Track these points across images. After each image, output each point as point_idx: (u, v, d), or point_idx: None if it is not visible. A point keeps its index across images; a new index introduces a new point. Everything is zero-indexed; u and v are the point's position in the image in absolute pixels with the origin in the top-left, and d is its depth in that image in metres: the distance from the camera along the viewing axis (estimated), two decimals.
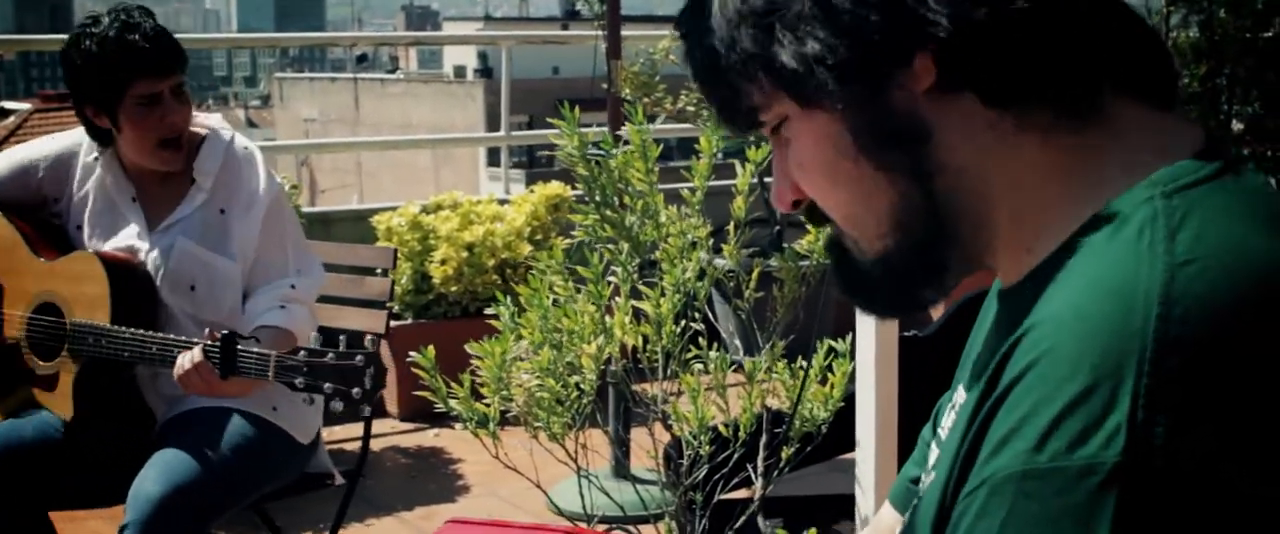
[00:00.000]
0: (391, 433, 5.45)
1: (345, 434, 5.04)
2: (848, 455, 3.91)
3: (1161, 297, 0.87)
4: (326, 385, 2.58)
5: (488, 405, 2.73)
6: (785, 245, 3.35)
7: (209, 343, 2.70)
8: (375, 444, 5.23)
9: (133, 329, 2.83)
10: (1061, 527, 0.85)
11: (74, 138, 3.11)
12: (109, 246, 3.02)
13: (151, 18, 2.94)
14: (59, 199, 3.12)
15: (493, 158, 30.53)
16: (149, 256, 2.99)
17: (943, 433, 1.18)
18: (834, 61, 0.99)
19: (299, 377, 2.60)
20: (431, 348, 2.69)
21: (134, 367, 2.97)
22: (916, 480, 1.37)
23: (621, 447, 4.16)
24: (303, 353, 2.61)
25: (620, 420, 4.21)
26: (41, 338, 2.99)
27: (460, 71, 47.67)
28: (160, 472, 2.78)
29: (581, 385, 2.75)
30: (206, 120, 3.10)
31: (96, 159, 3.06)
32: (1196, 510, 0.83)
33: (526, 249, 5.60)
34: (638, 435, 3.97)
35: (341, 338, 2.62)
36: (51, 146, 3.13)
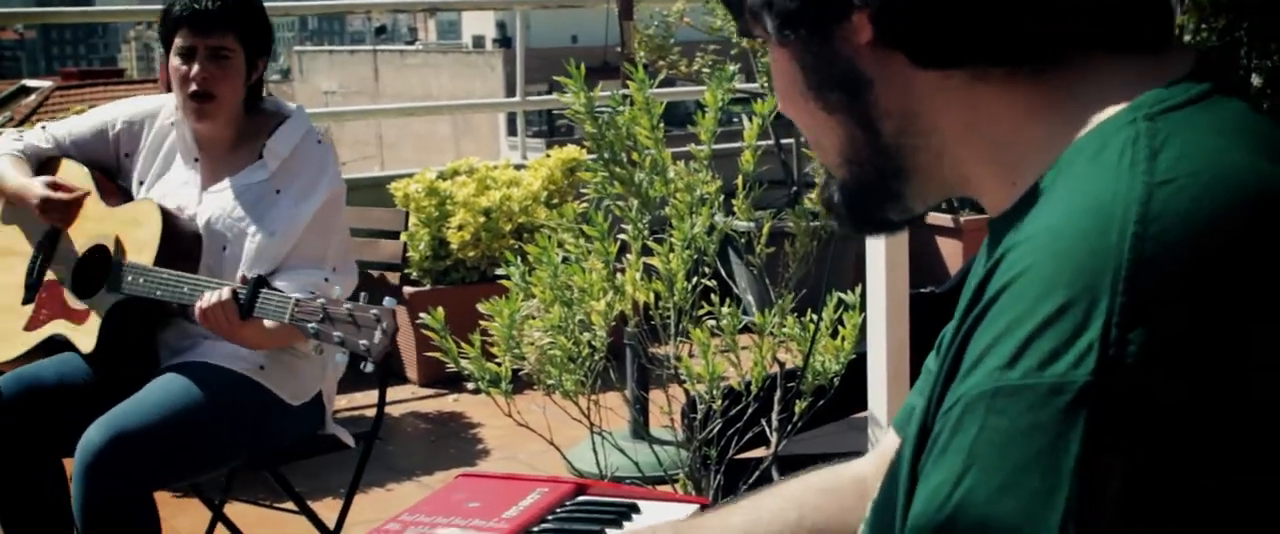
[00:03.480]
0: (411, 399, 5.47)
1: (365, 400, 5.06)
2: (862, 414, 3.91)
3: (1139, 215, 0.86)
4: (336, 334, 2.61)
5: (499, 365, 2.73)
6: (773, 209, 3.35)
7: (239, 286, 2.77)
8: (395, 409, 5.26)
9: (171, 270, 2.93)
10: (1031, 444, 0.84)
11: (157, 100, 3.28)
12: (162, 199, 3.13)
13: None
14: (131, 154, 3.27)
15: (512, 127, 30.48)
16: (196, 211, 3.10)
17: None
18: (778, 8, 1.04)
19: (313, 322, 2.64)
20: (440, 309, 2.69)
21: (161, 312, 3.05)
22: None
23: (638, 406, 4.16)
24: (321, 300, 2.66)
25: (636, 380, 4.21)
26: (86, 275, 3.10)
27: (479, 41, 47.56)
28: (107, 420, 2.83)
29: (593, 343, 2.75)
30: (289, 107, 3.23)
31: (172, 123, 3.21)
32: (1167, 431, 0.82)
33: (543, 213, 5.59)
34: (655, 396, 3.98)
35: (362, 295, 2.65)
36: (131, 107, 3.31)
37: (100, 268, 3.07)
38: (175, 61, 3.07)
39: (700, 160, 2.79)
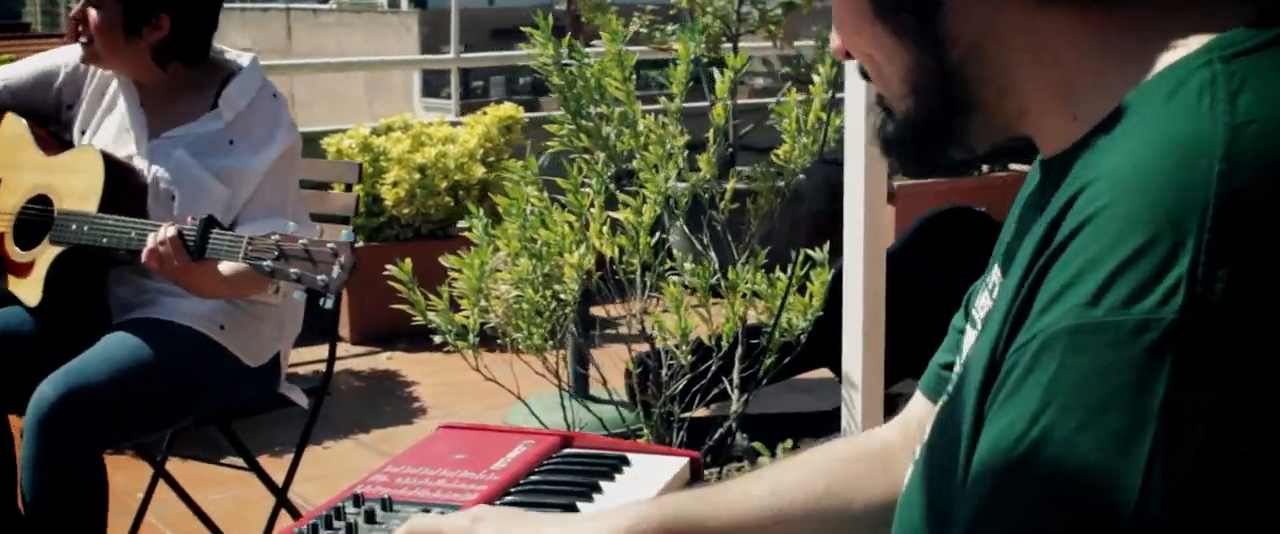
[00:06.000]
0: (345, 356, 5.39)
1: (298, 358, 4.98)
2: (812, 374, 3.91)
3: (1224, 154, 0.85)
4: (292, 271, 2.53)
5: (467, 317, 2.69)
6: (736, 168, 3.33)
7: (187, 225, 2.66)
8: None
9: (116, 216, 2.82)
10: (1115, 382, 0.82)
11: None
12: (105, 146, 3.02)
13: None
14: (72, 105, 3.16)
15: (428, 88, 30.19)
16: (142, 161, 2.99)
17: (977, 314, 1.17)
18: None
19: (268, 260, 2.55)
20: (408, 261, 2.64)
21: (108, 262, 2.96)
22: (948, 366, 1.35)
23: (582, 366, 4.13)
24: (276, 235, 2.56)
25: (581, 335, 4.19)
26: (27, 226, 3.00)
27: (394, 1, 47.13)
28: (63, 375, 2.74)
29: (561, 296, 2.72)
30: (242, 59, 3.14)
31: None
32: (1255, 370, 0.81)
33: (479, 171, 5.55)
34: (604, 354, 3.95)
35: (319, 228, 2.59)
36: (76, 55, 3.14)
37: (42, 218, 2.97)
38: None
39: (671, 114, 2.76)
